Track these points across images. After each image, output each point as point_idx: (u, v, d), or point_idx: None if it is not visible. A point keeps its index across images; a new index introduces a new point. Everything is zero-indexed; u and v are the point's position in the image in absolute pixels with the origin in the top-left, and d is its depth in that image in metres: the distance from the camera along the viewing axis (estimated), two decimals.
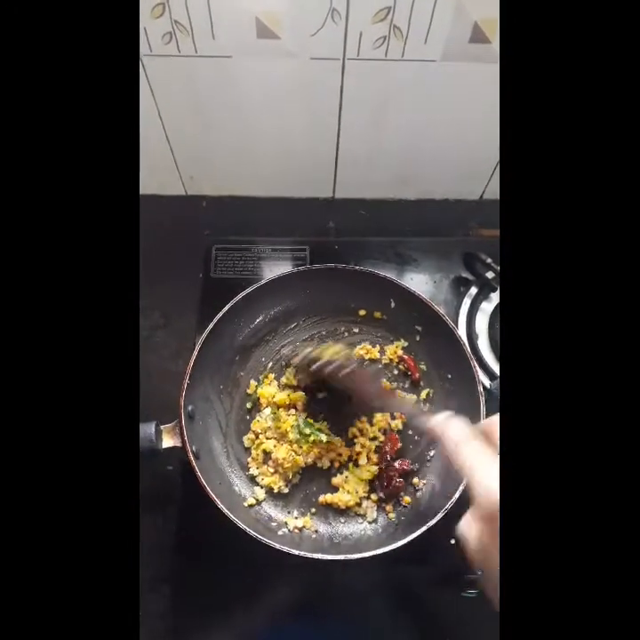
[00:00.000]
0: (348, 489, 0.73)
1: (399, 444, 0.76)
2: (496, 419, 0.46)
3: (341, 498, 0.72)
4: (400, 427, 0.78)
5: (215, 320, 0.75)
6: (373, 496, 0.73)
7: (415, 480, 0.74)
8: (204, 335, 0.74)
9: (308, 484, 0.75)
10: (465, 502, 0.64)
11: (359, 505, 0.73)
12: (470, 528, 0.42)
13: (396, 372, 0.83)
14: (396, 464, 0.74)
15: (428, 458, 0.76)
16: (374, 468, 0.74)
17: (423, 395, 0.80)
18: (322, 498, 0.73)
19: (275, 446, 0.75)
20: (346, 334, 0.86)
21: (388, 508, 0.72)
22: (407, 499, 0.73)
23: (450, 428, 0.49)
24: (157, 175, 1.02)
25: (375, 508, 0.72)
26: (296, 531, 0.70)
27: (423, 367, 0.82)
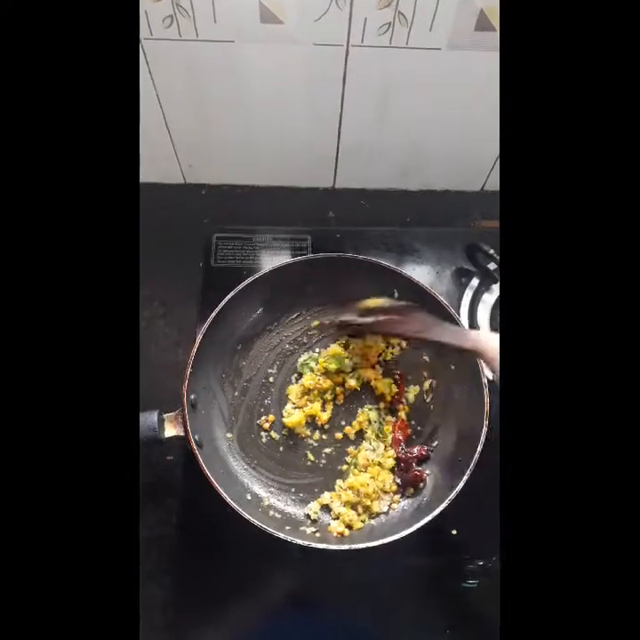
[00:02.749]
0: (372, 475, 0.73)
1: (409, 430, 0.76)
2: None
3: (363, 482, 0.72)
4: (404, 417, 0.78)
5: (217, 309, 0.74)
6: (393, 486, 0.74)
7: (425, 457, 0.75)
8: (206, 324, 0.73)
9: (315, 475, 0.76)
10: (468, 494, 0.65)
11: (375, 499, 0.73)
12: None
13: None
14: (415, 450, 0.74)
15: (431, 448, 0.76)
16: (393, 453, 0.74)
17: (426, 385, 0.80)
18: (345, 483, 0.74)
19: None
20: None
21: (394, 497, 0.72)
22: (411, 489, 0.72)
23: (488, 345, 0.57)
24: (156, 163, 1.00)
25: (388, 500, 0.73)
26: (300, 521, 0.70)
27: (426, 359, 0.82)
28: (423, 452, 0.74)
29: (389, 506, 0.72)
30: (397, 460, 0.74)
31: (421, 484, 0.73)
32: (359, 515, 0.71)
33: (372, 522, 0.71)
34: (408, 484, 0.73)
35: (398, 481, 0.74)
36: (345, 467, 0.75)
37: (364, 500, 0.71)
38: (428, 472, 0.74)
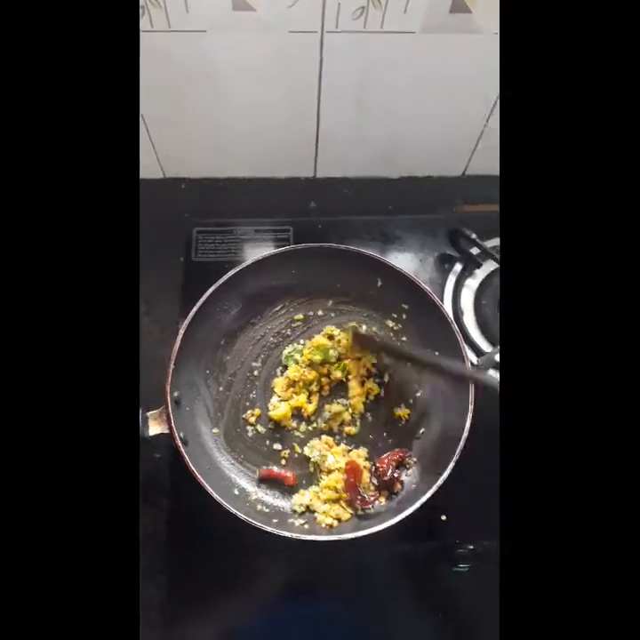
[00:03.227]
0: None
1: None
2: None
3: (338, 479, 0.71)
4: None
5: (198, 304, 0.74)
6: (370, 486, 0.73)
7: (404, 461, 0.74)
8: (188, 320, 0.72)
9: (302, 468, 0.75)
10: (456, 478, 0.65)
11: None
12: None
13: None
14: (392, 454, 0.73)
15: (418, 436, 0.76)
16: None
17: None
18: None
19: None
20: (333, 314, 0.85)
21: (383, 493, 0.72)
22: (398, 485, 0.72)
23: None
24: None
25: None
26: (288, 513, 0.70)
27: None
28: (402, 454, 0.73)
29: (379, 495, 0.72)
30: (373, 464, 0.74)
31: (398, 487, 0.72)
32: (344, 508, 0.71)
33: (361, 511, 0.70)
34: (383, 486, 0.72)
35: (375, 482, 0.73)
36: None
37: (343, 495, 0.71)
38: (415, 459, 0.74)
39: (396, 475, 0.72)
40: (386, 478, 0.71)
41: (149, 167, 1.01)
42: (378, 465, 0.72)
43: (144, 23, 0.76)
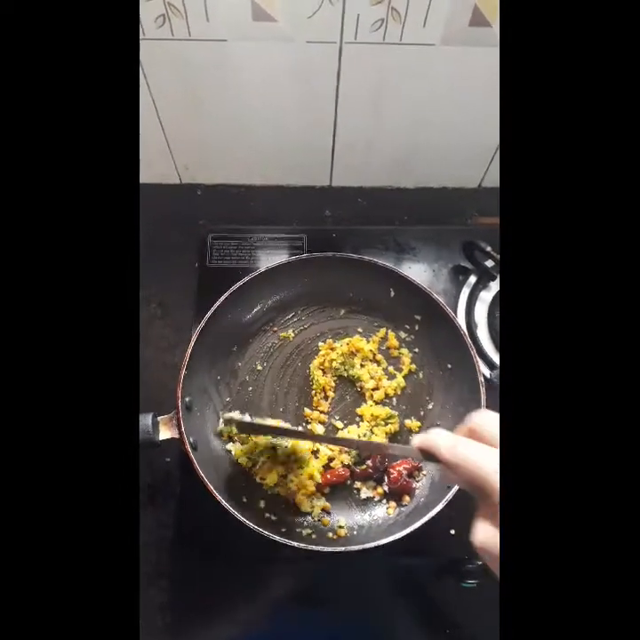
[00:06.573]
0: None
1: None
2: (481, 414, 0.44)
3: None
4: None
5: (212, 310, 0.74)
6: (379, 488, 0.73)
7: (414, 471, 0.74)
8: (201, 325, 0.72)
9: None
10: (466, 492, 0.64)
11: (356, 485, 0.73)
12: (489, 533, 0.37)
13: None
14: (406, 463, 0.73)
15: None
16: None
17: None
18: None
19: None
20: (344, 324, 0.85)
21: (391, 503, 0.72)
22: (407, 498, 0.72)
23: (437, 438, 0.44)
24: (151, 163, 1.00)
25: (382, 500, 0.72)
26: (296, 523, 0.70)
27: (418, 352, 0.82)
28: (414, 463, 0.73)
29: (386, 510, 0.72)
30: (386, 469, 0.73)
31: (407, 499, 0.72)
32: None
33: (369, 523, 0.70)
34: (395, 493, 0.72)
35: (386, 489, 0.73)
36: None
37: None
38: (424, 472, 0.73)
39: (406, 482, 0.71)
40: (397, 485, 0.71)
41: (166, 173, 1.03)
42: (390, 470, 0.72)
43: (165, 32, 0.77)
